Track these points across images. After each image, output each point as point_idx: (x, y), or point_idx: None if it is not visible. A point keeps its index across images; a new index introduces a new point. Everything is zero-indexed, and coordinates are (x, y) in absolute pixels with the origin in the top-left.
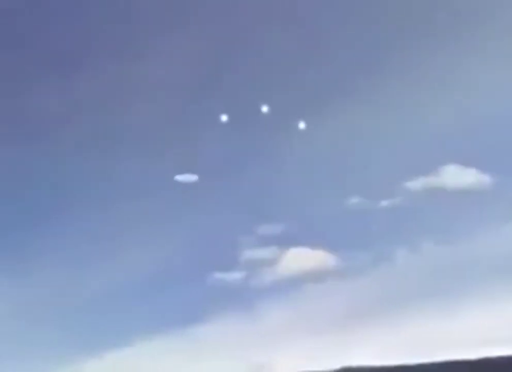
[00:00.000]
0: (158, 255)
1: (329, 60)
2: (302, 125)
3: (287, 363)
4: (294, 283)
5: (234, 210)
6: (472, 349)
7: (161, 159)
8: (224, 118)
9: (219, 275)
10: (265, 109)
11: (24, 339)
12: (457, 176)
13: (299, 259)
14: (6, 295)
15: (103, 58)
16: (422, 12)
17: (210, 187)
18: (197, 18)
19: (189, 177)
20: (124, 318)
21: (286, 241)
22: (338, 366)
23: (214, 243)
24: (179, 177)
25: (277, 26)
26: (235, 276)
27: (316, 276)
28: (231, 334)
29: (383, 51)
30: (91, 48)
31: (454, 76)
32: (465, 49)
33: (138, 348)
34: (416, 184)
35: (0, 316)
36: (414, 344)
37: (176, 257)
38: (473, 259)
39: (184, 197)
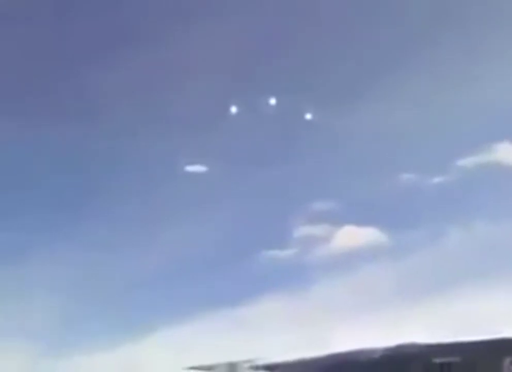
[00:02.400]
0: (209, 233)
1: (379, 38)
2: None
3: (339, 340)
4: (346, 261)
5: (286, 187)
6: None
7: (207, 139)
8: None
9: (271, 253)
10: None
11: (60, 322)
12: (510, 153)
13: (351, 236)
14: (40, 277)
15: (153, 39)
16: None
17: (263, 164)
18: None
19: (199, 168)
20: (175, 298)
21: (338, 218)
22: (391, 343)
23: (266, 220)
24: (189, 168)
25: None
26: (287, 253)
27: (368, 254)
28: (283, 312)
29: (436, 25)
30: (141, 30)
31: (509, 52)
32: None
33: (189, 327)
34: (469, 161)
35: (36, 298)
36: (465, 321)
37: (228, 235)
38: None
39: (235, 174)
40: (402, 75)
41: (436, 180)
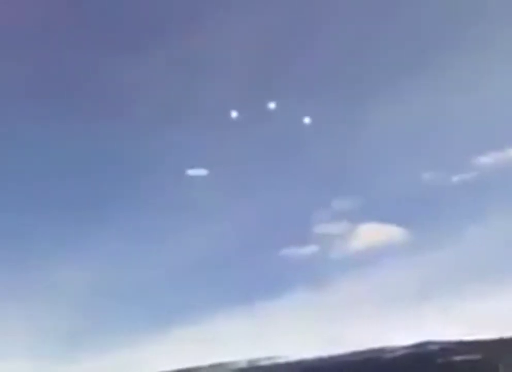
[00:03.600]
0: (231, 229)
1: (399, 42)
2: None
3: (359, 336)
4: (367, 258)
5: (308, 186)
6: None
7: (235, 131)
8: (233, 114)
9: (292, 250)
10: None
11: (91, 312)
12: None
13: (371, 233)
14: (69, 269)
15: (171, 38)
16: None
17: (284, 163)
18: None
19: (199, 172)
20: (196, 293)
21: (358, 216)
22: (412, 341)
23: (288, 218)
24: (190, 172)
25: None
26: (308, 250)
27: (388, 250)
28: (304, 307)
29: (456, 29)
30: (160, 28)
31: None
32: None
33: (211, 322)
34: (488, 159)
35: (66, 288)
36: (486, 319)
37: (250, 232)
38: None
39: (260, 172)
40: (423, 76)
41: (457, 178)
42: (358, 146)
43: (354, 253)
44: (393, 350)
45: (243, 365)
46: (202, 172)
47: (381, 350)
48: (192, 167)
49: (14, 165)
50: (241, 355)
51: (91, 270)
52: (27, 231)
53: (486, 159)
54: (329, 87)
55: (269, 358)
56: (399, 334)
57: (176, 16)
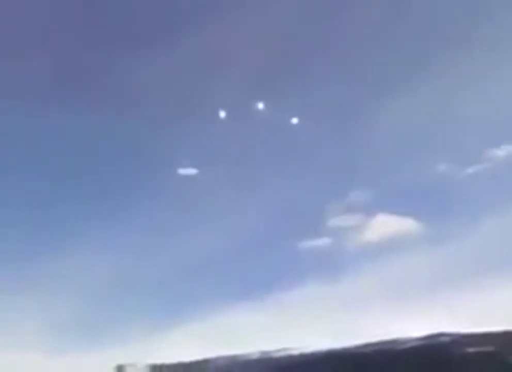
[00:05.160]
0: (247, 222)
1: (415, 36)
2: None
3: (372, 327)
4: (381, 250)
5: (323, 178)
6: None
7: (256, 120)
8: (222, 114)
9: (307, 242)
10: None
11: (114, 304)
12: None
13: (386, 225)
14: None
15: (186, 30)
16: None
17: (300, 156)
18: None
19: (190, 171)
20: (213, 284)
21: (373, 208)
22: (424, 333)
23: (303, 210)
24: (181, 171)
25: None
26: (322, 242)
27: (403, 243)
28: (318, 299)
29: (470, 22)
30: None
31: None
32: None
33: (227, 313)
34: (501, 152)
35: (86, 279)
36: (499, 311)
37: (265, 224)
38: None
39: (275, 165)
40: (437, 69)
41: (471, 169)
42: (372, 139)
43: (368, 245)
44: (405, 341)
45: (258, 356)
46: (192, 171)
47: (394, 341)
48: (209, 159)
49: (32, 157)
50: (255, 346)
51: (106, 263)
52: (46, 222)
53: (499, 152)
54: (344, 81)
55: (283, 349)
56: (412, 325)
57: (190, 13)
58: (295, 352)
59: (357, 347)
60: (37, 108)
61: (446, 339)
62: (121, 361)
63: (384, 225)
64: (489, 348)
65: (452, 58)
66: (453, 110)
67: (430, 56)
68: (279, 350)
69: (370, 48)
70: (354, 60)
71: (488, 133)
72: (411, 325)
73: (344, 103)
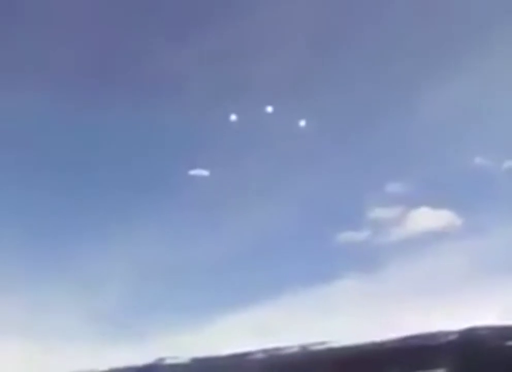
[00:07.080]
0: (286, 214)
1: (455, 27)
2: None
3: (411, 321)
4: (420, 242)
5: (362, 170)
6: None
7: (292, 110)
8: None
9: (347, 234)
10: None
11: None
12: None
13: (425, 218)
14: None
15: (223, 18)
16: None
17: (339, 148)
18: None
19: (201, 172)
20: (253, 277)
21: (412, 200)
22: (463, 326)
23: (342, 202)
24: (192, 172)
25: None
26: (362, 234)
27: (441, 235)
28: (357, 292)
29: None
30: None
31: None
32: None
33: (265, 306)
34: None
35: (119, 276)
36: None
37: (305, 216)
38: None
39: (312, 155)
40: (476, 61)
41: (508, 163)
42: (412, 131)
43: (407, 237)
44: (445, 334)
45: (297, 349)
46: (203, 173)
47: (434, 335)
48: (247, 151)
49: (62, 149)
50: (294, 339)
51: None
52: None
53: None
54: (383, 72)
55: (322, 343)
56: (451, 318)
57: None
58: (335, 345)
59: (396, 341)
60: (78, 95)
61: (486, 332)
62: (162, 353)
63: (424, 218)
64: None
65: (493, 49)
66: (492, 103)
67: (471, 47)
68: (318, 343)
69: (411, 38)
70: (382, 54)
71: None
72: (451, 318)
73: (383, 93)
